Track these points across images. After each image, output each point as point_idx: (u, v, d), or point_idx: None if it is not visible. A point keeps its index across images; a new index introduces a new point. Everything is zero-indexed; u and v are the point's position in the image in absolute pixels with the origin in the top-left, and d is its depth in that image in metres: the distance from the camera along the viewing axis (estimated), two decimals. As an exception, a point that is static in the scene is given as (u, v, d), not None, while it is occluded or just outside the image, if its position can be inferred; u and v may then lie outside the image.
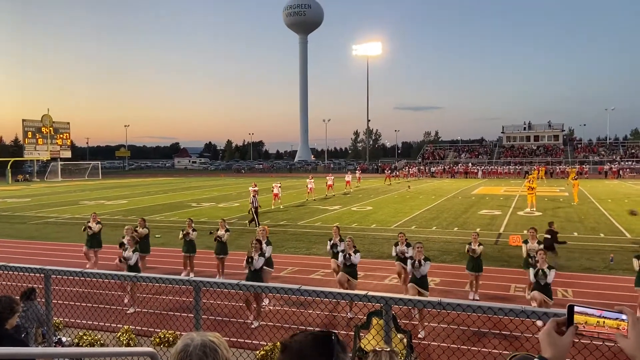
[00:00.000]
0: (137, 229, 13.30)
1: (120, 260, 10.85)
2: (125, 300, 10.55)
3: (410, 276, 10.04)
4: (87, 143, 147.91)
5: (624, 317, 1.41)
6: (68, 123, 76.07)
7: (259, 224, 20.92)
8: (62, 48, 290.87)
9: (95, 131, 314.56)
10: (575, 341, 1.44)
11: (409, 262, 10.15)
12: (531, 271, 9.48)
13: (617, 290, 11.38)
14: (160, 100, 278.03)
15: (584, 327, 1.45)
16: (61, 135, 73.54)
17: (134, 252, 10.86)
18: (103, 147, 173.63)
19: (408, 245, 11.43)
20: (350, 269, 10.25)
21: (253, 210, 22.17)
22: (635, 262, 9.59)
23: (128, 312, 10.18)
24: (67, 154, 74.91)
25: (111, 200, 35.60)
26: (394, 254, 11.73)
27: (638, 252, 9.83)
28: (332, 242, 11.76)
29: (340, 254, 10.76)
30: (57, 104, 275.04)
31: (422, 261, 9.67)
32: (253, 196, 22.65)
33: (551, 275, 9.18)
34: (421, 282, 9.62)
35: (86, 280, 6.34)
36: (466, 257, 11.44)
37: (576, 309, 1.46)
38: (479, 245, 11.16)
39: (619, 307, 1.44)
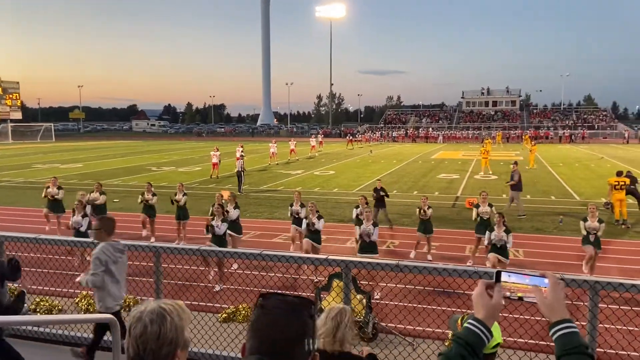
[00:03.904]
0: (91, 194, 12.99)
1: (68, 227, 10.67)
2: (76, 264, 10.38)
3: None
4: (39, 104, 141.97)
5: (546, 281, 1.50)
6: (17, 82, 72.39)
7: (240, 190, 20.69)
8: (12, 1, 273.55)
9: (47, 91, 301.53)
10: (506, 304, 1.53)
11: (304, 221, 10.64)
12: (487, 235, 9.75)
13: (566, 250, 11.99)
14: (116, 60, 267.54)
15: (509, 290, 1.53)
16: (10, 96, 69.96)
17: (83, 217, 10.60)
18: (56, 108, 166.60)
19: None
20: (315, 235, 10.30)
21: (237, 175, 21.67)
22: (581, 224, 10.08)
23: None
24: (18, 115, 71.54)
25: (66, 164, 34.47)
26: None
27: (585, 215, 10.32)
28: (293, 207, 11.66)
29: (304, 221, 10.82)
30: (5, 61, 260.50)
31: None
32: (237, 160, 22.37)
33: (510, 240, 9.46)
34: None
35: (41, 247, 6.21)
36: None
37: (503, 275, 1.54)
38: (428, 208, 11.42)
39: (542, 272, 1.53)
